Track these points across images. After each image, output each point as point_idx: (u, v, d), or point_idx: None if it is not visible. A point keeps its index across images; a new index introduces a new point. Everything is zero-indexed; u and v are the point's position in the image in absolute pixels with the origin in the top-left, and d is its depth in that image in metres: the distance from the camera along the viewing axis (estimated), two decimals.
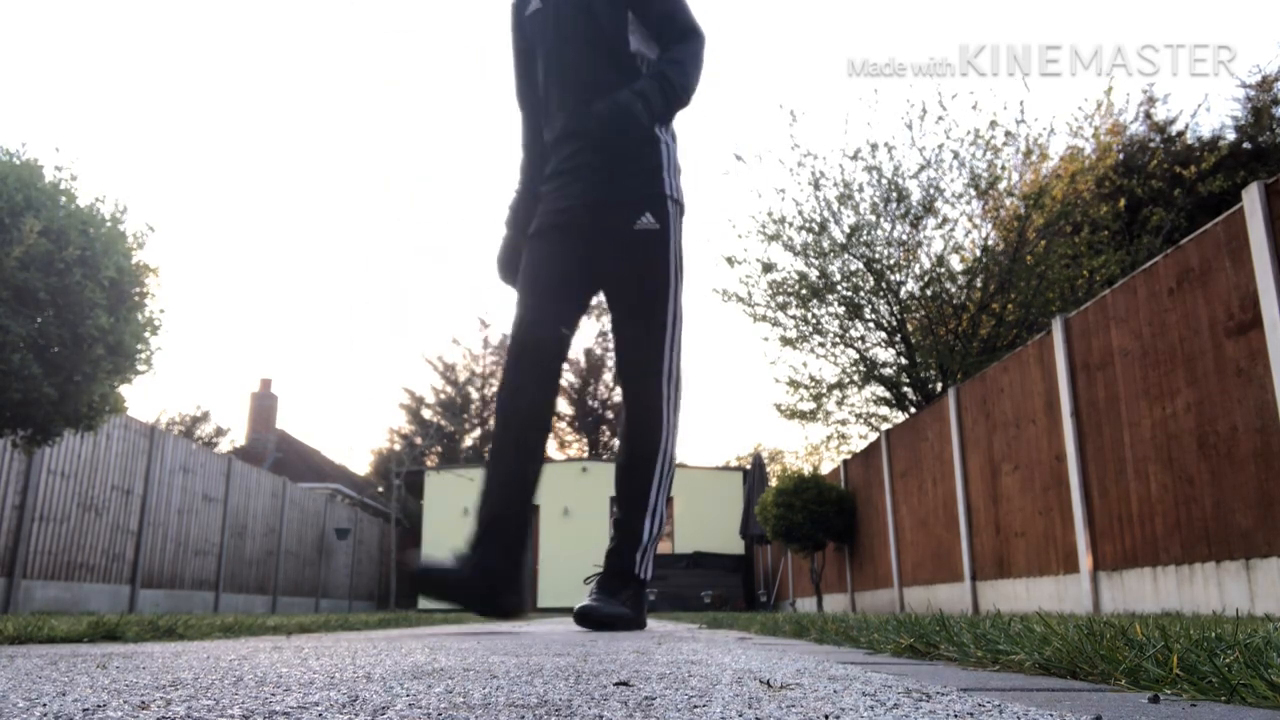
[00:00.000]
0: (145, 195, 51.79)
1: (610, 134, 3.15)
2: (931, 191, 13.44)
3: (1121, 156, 15.40)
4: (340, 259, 57.36)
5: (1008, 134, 13.18)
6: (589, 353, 35.88)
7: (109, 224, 4.67)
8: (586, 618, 3.09)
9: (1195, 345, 4.84)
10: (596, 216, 3.32)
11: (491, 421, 34.35)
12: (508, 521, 3.07)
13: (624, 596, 3.22)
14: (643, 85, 3.21)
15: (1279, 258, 4.19)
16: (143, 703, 0.92)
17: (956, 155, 13.29)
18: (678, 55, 3.33)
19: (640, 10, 3.38)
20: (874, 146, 13.52)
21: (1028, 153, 13.35)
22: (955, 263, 14.12)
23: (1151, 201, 14.52)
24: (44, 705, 0.90)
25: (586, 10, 3.37)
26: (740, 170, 21.22)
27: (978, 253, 13.87)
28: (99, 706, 0.88)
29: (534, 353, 3.23)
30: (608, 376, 35.88)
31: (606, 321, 37.28)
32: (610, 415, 35.84)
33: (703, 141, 49.24)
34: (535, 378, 3.22)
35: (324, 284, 55.45)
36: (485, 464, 3.27)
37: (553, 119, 3.46)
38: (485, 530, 3.03)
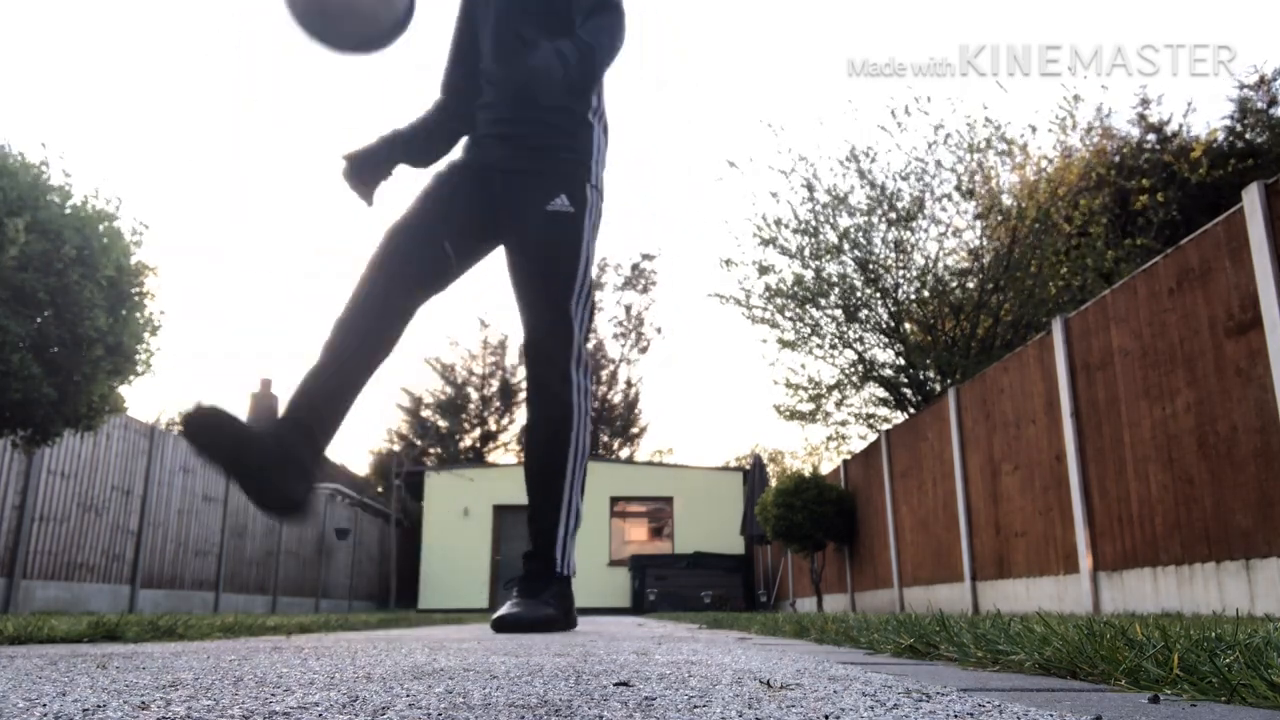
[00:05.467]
0: (144, 195, 51.78)
1: (528, 95, 3.05)
2: (921, 193, 13.48)
3: (1117, 159, 15.40)
4: (341, 258, 57.36)
5: (989, 139, 13.20)
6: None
7: (106, 222, 4.67)
8: (506, 624, 2.89)
9: (1195, 345, 4.84)
10: (510, 185, 3.21)
11: (488, 423, 34.39)
12: (325, 411, 2.70)
13: (547, 596, 3.06)
14: (565, 47, 3.01)
15: (1279, 258, 4.19)
16: (143, 703, 0.92)
17: (940, 162, 13.34)
18: (601, 23, 3.15)
19: None
20: (860, 154, 13.58)
21: (1008, 153, 13.36)
22: (950, 262, 14.14)
23: (1144, 193, 14.52)
24: (44, 705, 0.90)
25: None
26: (734, 175, 21.24)
27: (972, 251, 13.89)
28: (99, 707, 0.88)
29: (405, 253, 2.96)
30: (605, 377, 35.88)
31: (602, 321, 37.15)
32: (609, 415, 35.83)
33: (698, 145, 49.25)
34: (398, 278, 2.91)
35: (324, 284, 55.42)
36: (325, 345, 2.80)
37: (484, 70, 3.34)
38: (297, 409, 2.65)
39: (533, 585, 3.08)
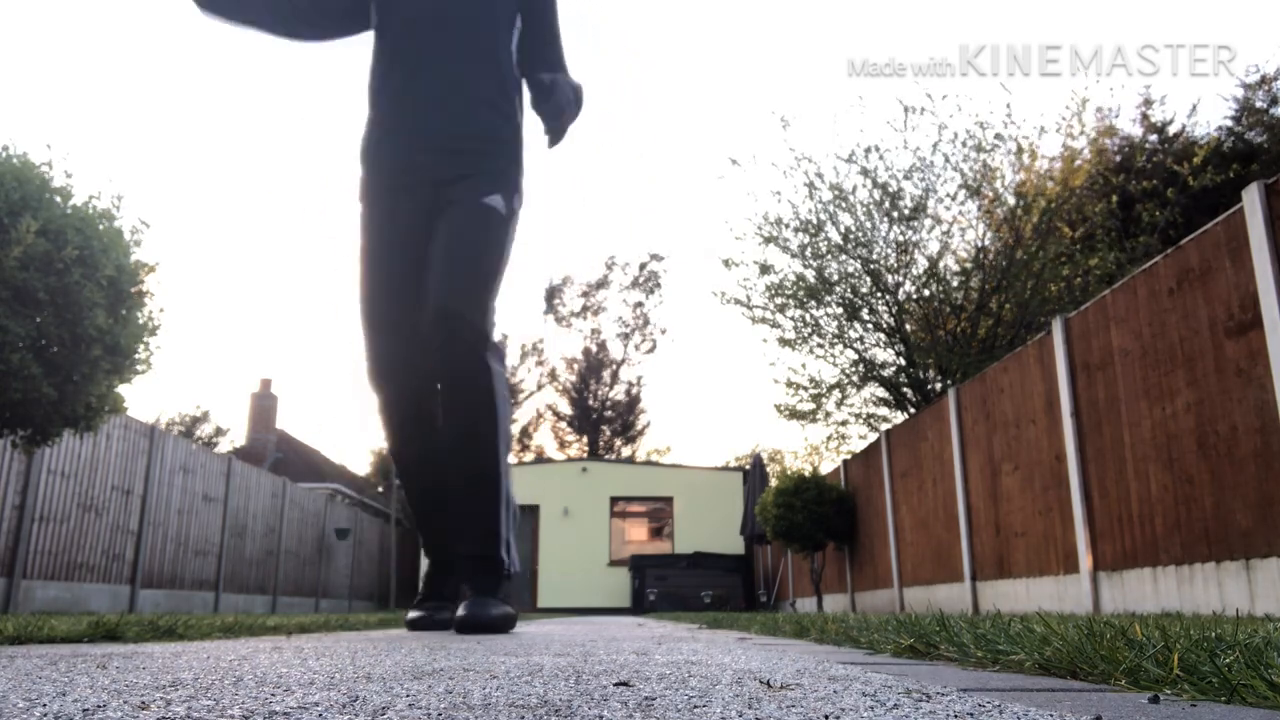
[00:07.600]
0: (144, 194, 51.76)
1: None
2: (925, 192, 13.46)
3: (1119, 158, 15.39)
4: (340, 258, 57.36)
5: (997, 136, 13.17)
6: (589, 353, 35.85)
7: (106, 222, 4.66)
8: (472, 625, 2.93)
9: (1195, 345, 4.84)
10: (442, 166, 3.30)
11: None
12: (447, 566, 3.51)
13: (502, 595, 3.16)
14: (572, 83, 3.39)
15: (1279, 258, 4.19)
16: (143, 703, 0.92)
17: (948, 159, 13.31)
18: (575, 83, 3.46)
19: (534, 21, 3.51)
20: (866, 150, 13.55)
21: (1019, 152, 13.34)
22: (951, 262, 14.13)
23: (1147, 198, 14.50)
24: (44, 705, 0.90)
25: None
26: (735, 174, 21.20)
27: (974, 251, 13.87)
28: (99, 707, 0.88)
29: (411, 395, 3.33)
30: (607, 376, 35.86)
31: (602, 321, 37.07)
32: (610, 414, 35.81)
33: (699, 144, 49.24)
34: (421, 421, 3.36)
35: (324, 284, 55.41)
36: (414, 516, 3.60)
37: (403, 38, 3.45)
38: (432, 577, 3.55)
39: (487, 585, 3.13)
